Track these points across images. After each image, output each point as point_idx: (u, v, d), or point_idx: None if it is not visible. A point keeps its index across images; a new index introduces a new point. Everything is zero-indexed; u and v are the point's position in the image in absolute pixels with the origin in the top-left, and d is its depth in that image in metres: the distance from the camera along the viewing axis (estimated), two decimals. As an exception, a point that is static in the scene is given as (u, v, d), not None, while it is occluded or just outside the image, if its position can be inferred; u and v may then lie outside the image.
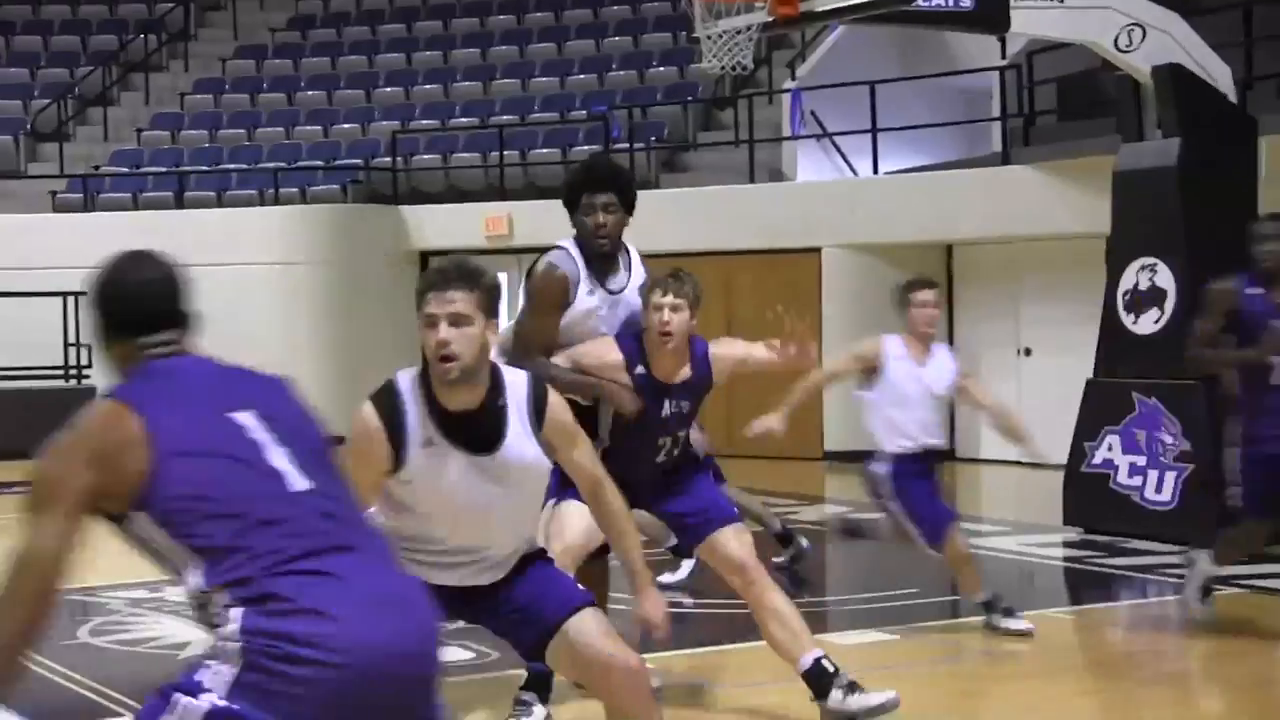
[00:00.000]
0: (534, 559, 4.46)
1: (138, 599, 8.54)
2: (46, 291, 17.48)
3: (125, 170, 21.12)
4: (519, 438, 4.21)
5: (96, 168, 21.24)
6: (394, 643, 2.93)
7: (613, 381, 5.72)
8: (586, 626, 4.28)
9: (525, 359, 5.56)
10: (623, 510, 4.45)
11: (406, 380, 4.19)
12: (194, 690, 2.91)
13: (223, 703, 2.88)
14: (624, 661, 4.25)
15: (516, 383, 4.25)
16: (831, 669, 5.80)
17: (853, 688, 5.78)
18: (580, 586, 4.53)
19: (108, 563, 8.88)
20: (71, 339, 17.78)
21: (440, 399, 4.14)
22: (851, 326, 15.90)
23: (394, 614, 2.96)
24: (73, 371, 17.90)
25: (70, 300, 17.61)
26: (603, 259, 5.91)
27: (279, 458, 3.08)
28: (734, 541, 5.85)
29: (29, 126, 22.18)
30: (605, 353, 5.76)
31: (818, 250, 16.21)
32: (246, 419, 3.11)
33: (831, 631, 7.76)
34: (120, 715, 6.21)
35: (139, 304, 3.20)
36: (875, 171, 16.55)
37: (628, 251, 6.08)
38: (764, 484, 13.25)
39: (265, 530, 2.98)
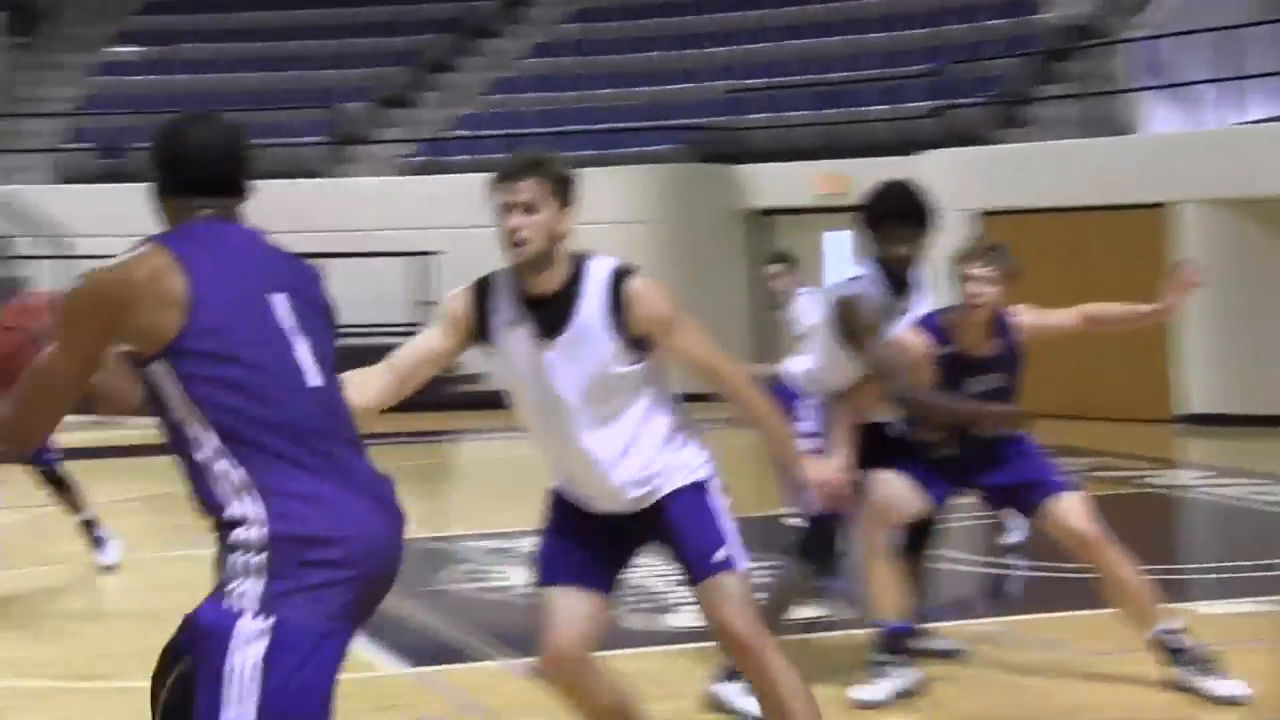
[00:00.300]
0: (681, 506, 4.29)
1: (495, 549, 8.81)
2: (394, 252, 18.16)
3: (468, 134, 21.75)
4: (589, 325, 4.15)
5: (441, 132, 21.92)
6: (390, 539, 3.10)
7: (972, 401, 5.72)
8: (714, 594, 4.22)
9: (896, 387, 5.59)
10: (750, 390, 4.32)
11: (503, 268, 4.25)
12: (231, 621, 2.94)
13: (261, 619, 2.94)
14: (746, 638, 4.20)
15: (599, 272, 4.22)
16: (1179, 646, 5.64)
17: (1206, 667, 5.60)
18: (726, 546, 4.29)
19: (467, 515, 9.15)
20: (418, 298, 18.43)
21: (524, 283, 4.19)
22: (1206, 282, 15.28)
23: (386, 511, 3.12)
24: (420, 329, 18.55)
25: (417, 261, 18.28)
26: (900, 284, 5.76)
27: (301, 349, 3.13)
28: (1072, 513, 5.76)
29: (378, 93, 23.03)
30: (910, 344, 5.72)
31: (1165, 206, 15.62)
32: (280, 302, 3.16)
33: (1191, 601, 7.49)
34: (480, 658, 6.42)
35: (198, 166, 3.23)
36: (1226, 122, 15.83)
37: None
38: (1108, 445, 12.88)
39: (280, 421, 3.04)
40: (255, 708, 2.94)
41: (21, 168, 21.70)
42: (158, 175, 3.24)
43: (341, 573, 2.99)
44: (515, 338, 4.20)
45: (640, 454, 4.25)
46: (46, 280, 19.85)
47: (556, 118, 21.85)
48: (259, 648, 2.94)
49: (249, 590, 2.95)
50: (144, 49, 24.70)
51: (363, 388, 4.08)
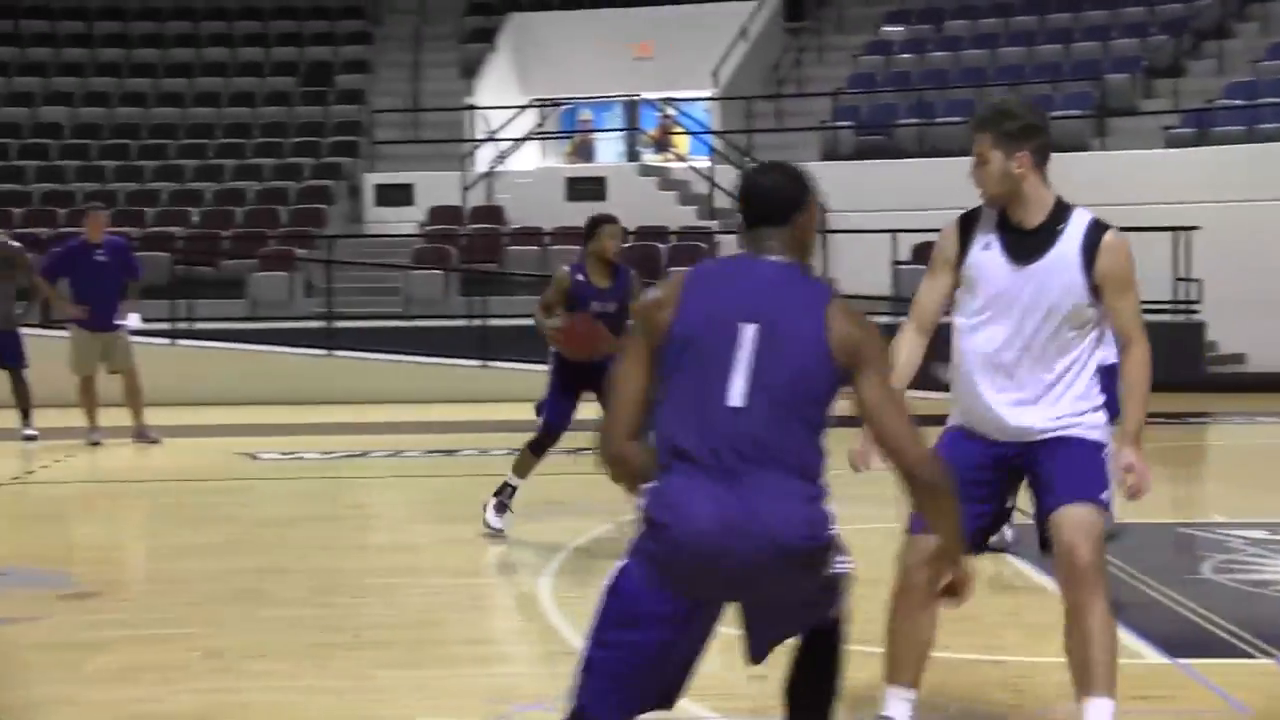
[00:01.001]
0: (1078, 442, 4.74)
1: (1260, 539, 8.44)
2: (1160, 226, 17.65)
3: (1239, 103, 20.73)
4: (1061, 261, 4.72)
5: (1210, 101, 21.03)
6: (716, 544, 3.73)
7: None
8: (1064, 519, 4.70)
9: None
10: (1144, 368, 4.81)
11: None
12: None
13: (625, 560, 3.88)
14: (1086, 569, 4.69)
15: (1080, 219, 4.77)
16: None
17: None
18: (1105, 492, 4.80)
19: (1229, 503, 8.78)
20: (1182, 273, 17.83)
21: (1008, 218, 4.81)
22: None
23: (729, 523, 3.74)
24: (1182, 306, 17.94)
25: (1182, 235, 17.66)
26: None
27: (739, 373, 3.78)
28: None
29: (1145, 63, 22.40)
30: None
31: None
32: (747, 331, 3.81)
33: None
34: (1251, 655, 6.18)
35: (749, 203, 4.01)
36: None
37: None
38: None
39: (688, 423, 3.80)
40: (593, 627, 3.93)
41: (791, 145, 22.84)
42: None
43: (661, 551, 3.79)
44: (993, 262, 4.80)
45: (1063, 393, 4.77)
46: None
47: (1337, 84, 20.45)
48: (610, 580, 3.90)
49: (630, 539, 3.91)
50: (912, 28, 25.28)
51: (909, 362, 4.92)
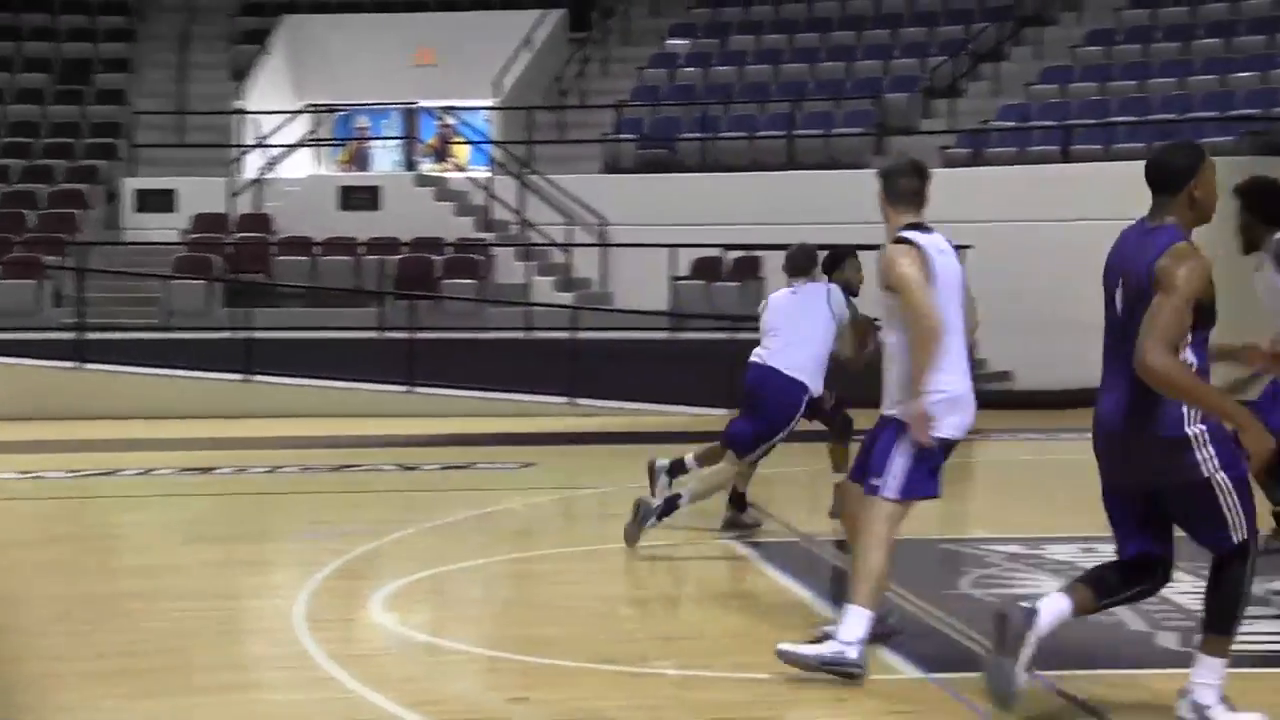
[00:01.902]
0: None
1: (1016, 554, 8.69)
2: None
3: (1013, 125, 21.42)
4: None
5: (985, 123, 21.69)
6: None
7: None
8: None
9: None
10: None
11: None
12: None
13: None
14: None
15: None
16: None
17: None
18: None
19: (990, 518, 9.04)
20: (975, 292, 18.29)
21: None
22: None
23: None
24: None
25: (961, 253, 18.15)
26: None
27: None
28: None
29: (924, 84, 23.00)
30: None
31: None
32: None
33: None
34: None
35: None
36: None
37: None
38: None
39: None
40: None
41: (573, 157, 22.93)
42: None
43: None
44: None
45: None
46: (589, 266, 21.04)
47: (1108, 109, 21.22)
48: None
49: None
50: (697, 42, 25.59)
51: None
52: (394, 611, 7.44)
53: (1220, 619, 5.39)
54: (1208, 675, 5.40)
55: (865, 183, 22.38)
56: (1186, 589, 7.73)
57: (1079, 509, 10.59)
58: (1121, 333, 5.27)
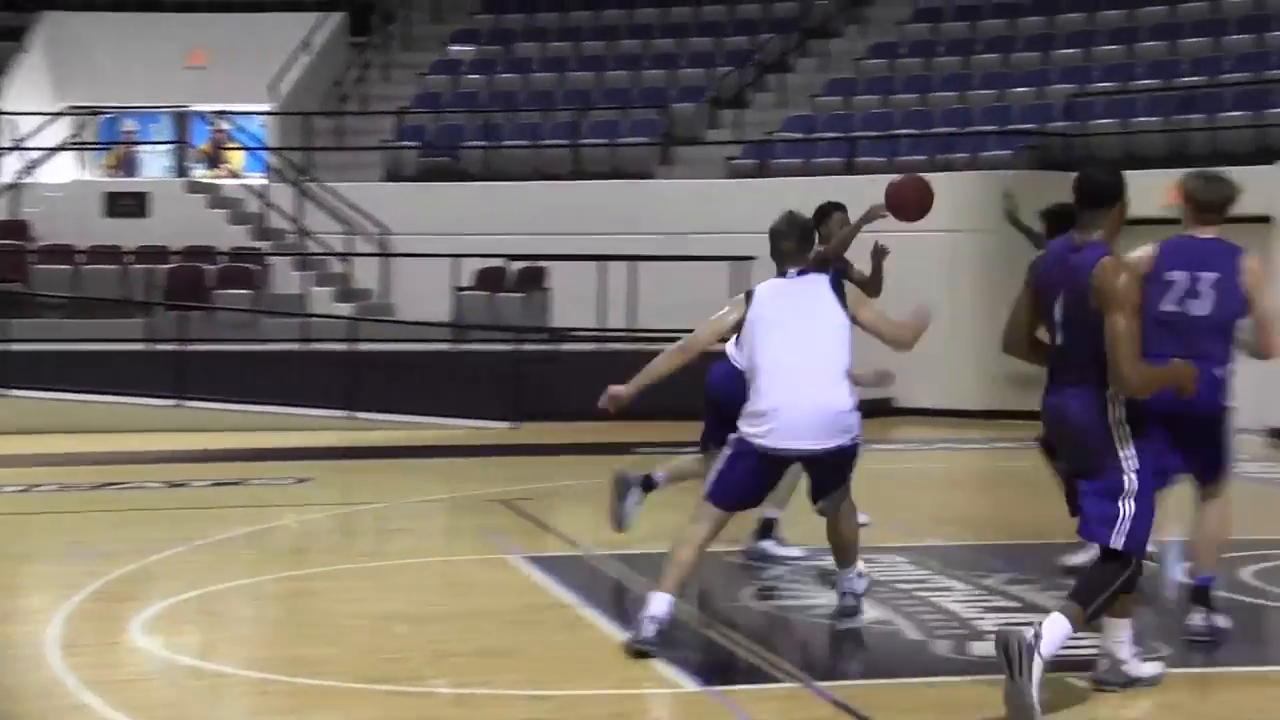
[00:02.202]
0: None
1: (799, 566, 8.81)
2: (720, 256, 18.32)
3: (798, 136, 21.78)
4: None
5: (770, 134, 22.02)
6: None
7: None
8: None
9: None
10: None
11: None
12: None
13: None
14: None
15: None
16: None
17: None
18: None
19: (781, 529, 9.13)
20: (742, 303, 18.53)
21: None
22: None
23: None
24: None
25: (740, 265, 18.37)
26: None
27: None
28: None
29: (710, 94, 23.25)
30: None
31: None
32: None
33: None
34: (779, 680, 6.43)
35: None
36: None
37: None
38: None
39: None
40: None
41: (353, 164, 22.70)
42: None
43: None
44: None
45: None
46: (369, 276, 20.84)
47: (891, 121, 21.70)
48: None
49: None
50: (481, 48, 25.53)
51: None
52: (157, 634, 7.25)
53: (1083, 597, 5.90)
54: (1117, 634, 6.15)
55: (651, 192, 22.72)
56: (961, 598, 7.93)
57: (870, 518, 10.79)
58: (1066, 338, 5.97)
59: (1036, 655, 5.61)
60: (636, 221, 19.75)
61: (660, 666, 6.58)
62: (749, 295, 7.19)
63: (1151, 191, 17.88)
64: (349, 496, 12.47)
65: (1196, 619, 6.97)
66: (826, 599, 7.83)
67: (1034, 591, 8.07)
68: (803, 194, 19.60)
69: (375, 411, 17.17)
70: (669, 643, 6.71)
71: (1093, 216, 5.96)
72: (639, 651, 6.60)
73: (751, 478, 7.00)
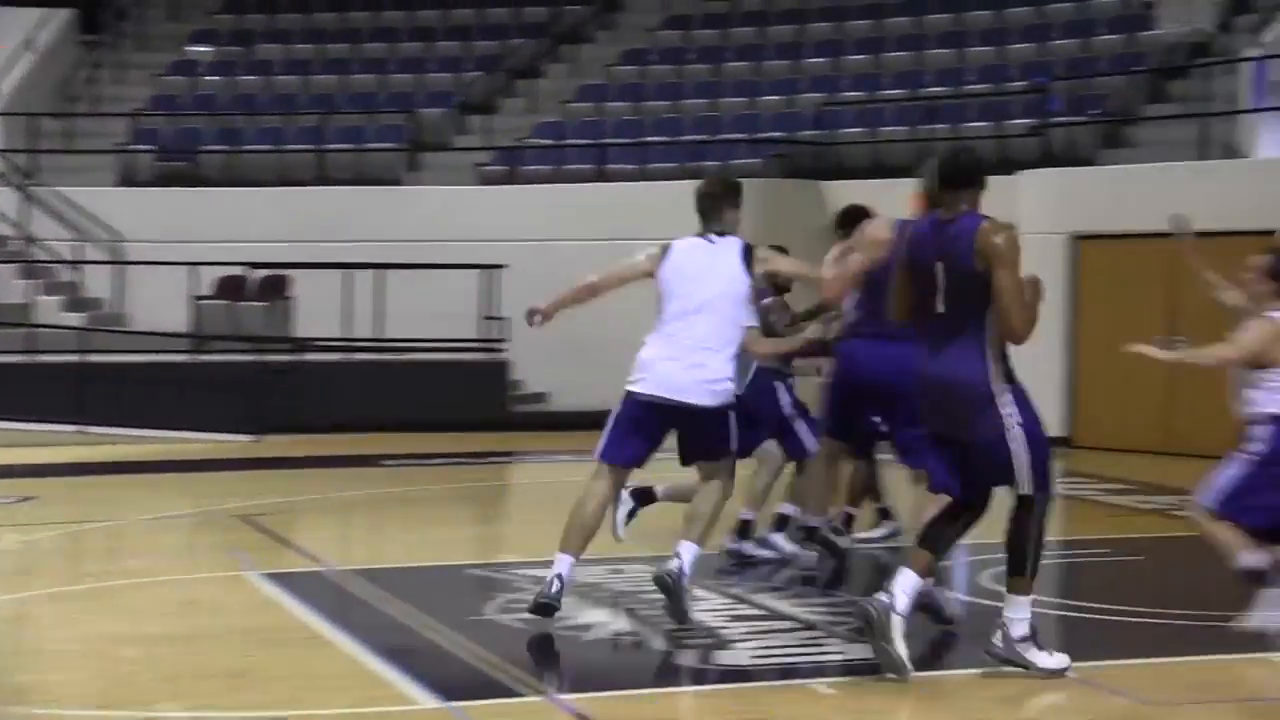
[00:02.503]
0: None
1: (544, 577, 8.79)
2: (469, 264, 18.29)
3: (549, 143, 21.84)
4: None
5: (520, 140, 22.03)
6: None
7: None
8: None
9: None
10: None
11: None
12: None
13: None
14: None
15: None
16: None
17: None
18: None
19: (519, 542, 9.14)
20: (490, 312, 18.51)
21: None
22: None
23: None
24: (488, 344, 18.61)
25: (490, 273, 18.36)
26: None
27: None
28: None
29: (459, 99, 23.18)
30: None
31: (1275, 234, 15.35)
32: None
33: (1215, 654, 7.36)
34: (523, 694, 6.43)
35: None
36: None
37: None
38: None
39: None
40: None
41: (84, 168, 22.06)
42: None
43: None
44: None
45: None
46: (101, 285, 20.27)
47: (643, 128, 21.90)
48: None
49: None
50: (220, 49, 25.04)
51: None
52: None
53: (1014, 563, 6.51)
54: (1015, 612, 6.51)
55: (399, 199, 22.53)
56: (709, 607, 8.03)
57: (607, 529, 10.84)
58: (948, 306, 6.45)
59: (894, 614, 6.28)
60: (383, 229, 19.57)
61: (401, 683, 6.53)
62: (665, 249, 7.62)
63: (899, 200, 18.50)
64: (78, 514, 12.09)
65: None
66: (570, 611, 7.85)
67: (781, 599, 8.21)
68: (554, 200, 19.86)
69: (108, 426, 16.71)
70: (427, 656, 6.64)
71: (957, 196, 6.54)
72: (541, 606, 7.27)
73: (631, 429, 7.52)
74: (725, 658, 6.99)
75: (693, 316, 7.41)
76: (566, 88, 23.39)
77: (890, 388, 7.91)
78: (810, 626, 7.55)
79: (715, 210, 7.61)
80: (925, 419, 6.68)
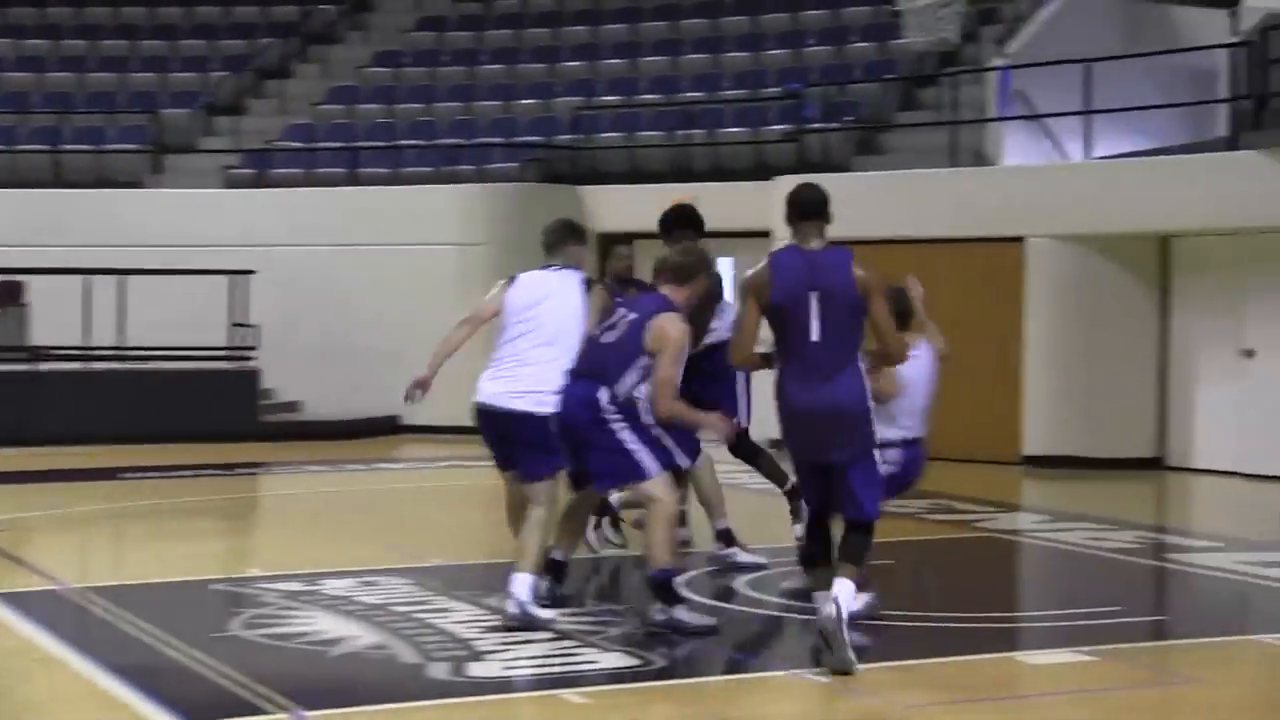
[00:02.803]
0: None
1: (293, 591, 8.67)
2: (216, 270, 17.91)
3: (299, 145, 21.53)
4: None
5: (270, 142, 21.68)
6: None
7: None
8: None
9: None
10: None
11: None
12: None
13: None
14: None
15: None
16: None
17: None
18: None
19: (268, 555, 8.96)
20: (239, 318, 18.15)
21: None
22: (1059, 320, 15.62)
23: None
24: (237, 352, 18.25)
25: (238, 279, 18.00)
26: None
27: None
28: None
29: (205, 99, 22.71)
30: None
31: (1022, 240, 15.90)
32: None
33: (1022, 650, 7.60)
34: (267, 711, 6.30)
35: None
36: (1088, 156, 16.19)
37: None
38: (953, 488, 13.07)
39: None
40: None
41: None
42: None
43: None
44: None
45: None
46: None
47: (395, 131, 21.72)
48: None
49: None
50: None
51: None
52: None
53: (854, 559, 7.00)
54: (843, 589, 6.88)
55: (141, 202, 21.93)
56: (462, 619, 7.98)
57: (360, 541, 10.74)
58: (824, 334, 6.87)
59: (844, 625, 6.72)
60: (125, 233, 19.06)
61: (139, 704, 6.35)
62: (511, 280, 8.11)
63: (657, 205, 18.65)
64: None
65: (655, 612, 7.58)
66: (318, 626, 7.73)
67: (538, 609, 8.18)
68: (304, 204, 19.56)
69: None
70: (168, 674, 6.46)
71: (809, 227, 7.06)
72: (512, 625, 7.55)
73: (485, 436, 7.96)
74: (477, 669, 6.94)
75: (528, 335, 7.90)
76: (317, 89, 23.09)
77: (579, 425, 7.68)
78: (565, 636, 7.55)
79: (559, 246, 8.16)
80: (798, 445, 7.08)
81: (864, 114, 19.02)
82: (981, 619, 8.37)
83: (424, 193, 19.38)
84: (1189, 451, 15.39)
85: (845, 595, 6.78)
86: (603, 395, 7.48)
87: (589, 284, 8.08)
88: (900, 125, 18.94)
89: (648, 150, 19.85)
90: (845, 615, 6.74)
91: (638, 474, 7.49)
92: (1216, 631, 8.18)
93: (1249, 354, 15.01)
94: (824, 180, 18.10)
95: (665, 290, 7.70)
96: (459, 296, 18.64)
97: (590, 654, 7.25)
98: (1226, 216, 14.62)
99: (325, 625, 7.76)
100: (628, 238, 19.02)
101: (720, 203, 18.24)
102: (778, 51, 21.32)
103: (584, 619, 7.96)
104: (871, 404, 7.00)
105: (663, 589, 7.53)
